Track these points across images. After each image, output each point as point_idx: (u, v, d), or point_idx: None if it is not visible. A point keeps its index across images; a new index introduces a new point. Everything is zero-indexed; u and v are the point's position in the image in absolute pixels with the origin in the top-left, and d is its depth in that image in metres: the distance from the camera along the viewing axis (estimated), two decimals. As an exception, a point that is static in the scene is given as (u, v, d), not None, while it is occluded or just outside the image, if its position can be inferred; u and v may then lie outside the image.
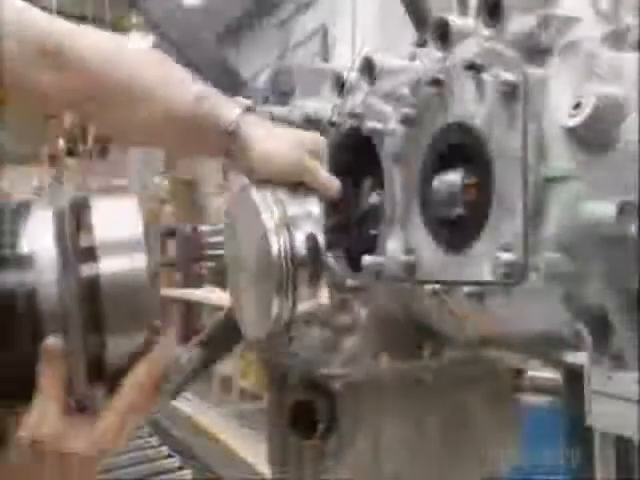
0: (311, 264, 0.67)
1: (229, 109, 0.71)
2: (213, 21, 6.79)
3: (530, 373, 0.93)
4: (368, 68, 0.86)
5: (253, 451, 3.71)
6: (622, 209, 0.54)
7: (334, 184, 0.73)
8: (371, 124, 0.79)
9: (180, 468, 3.66)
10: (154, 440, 3.96)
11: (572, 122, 0.57)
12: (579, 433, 2.68)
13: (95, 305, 0.51)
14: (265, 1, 6.91)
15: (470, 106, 0.66)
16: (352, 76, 0.90)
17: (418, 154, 0.73)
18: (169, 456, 3.80)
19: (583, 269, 0.58)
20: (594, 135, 0.57)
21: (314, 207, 0.70)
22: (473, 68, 0.65)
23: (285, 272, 0.65)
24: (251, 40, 7.28)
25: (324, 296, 0.68)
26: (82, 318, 0.50)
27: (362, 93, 0.87)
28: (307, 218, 0.69)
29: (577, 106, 0.57)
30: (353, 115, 0.83)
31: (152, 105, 0.70)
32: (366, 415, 0.80)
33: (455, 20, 0.73)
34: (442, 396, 0.85)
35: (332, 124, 0.87)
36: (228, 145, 0.71)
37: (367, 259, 0.75)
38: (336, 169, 0.76)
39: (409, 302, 0.77)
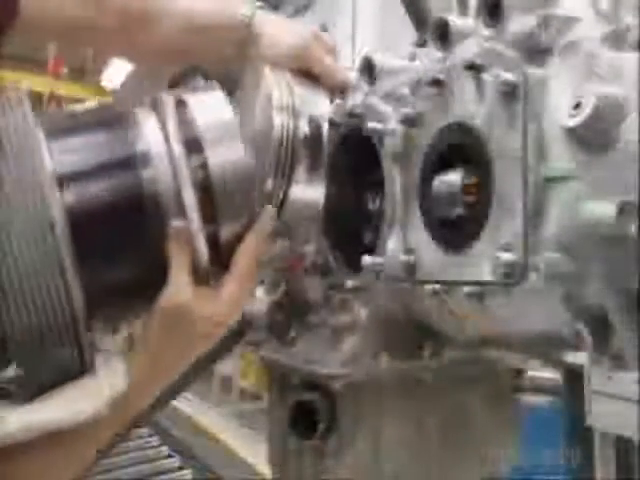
0: (311, 148, 0.68)
1: (243, 5, 0.78)
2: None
3: (530, 373, 0.93)
4: (368, 68, 0.86)
5: (253, 451, 3.71)
6: (622, 209, 0.54)
7: (339, 71, 0.76)
8: (371, 124, 0.79)
9: (180, 468, 3.66)
10: (154, 440, 3.96)
11: (572, 122, 0.57)
12: (579, 433, 2.68)
13: (208, 192, 0.57)
14: (264, 2, 6.91)
15: (470, 106, 0.66)
16: (352, 76, 0.90)
17: (418, 154, 0.73)
18: (169, 456, 3.80)
19: (583, 269, 0.58)
20: (594, 135, 0.57)
21: (320, 96, 0.73)
22: (473, 68, 0.65)
23: (284, 150, 0.67)
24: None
25: (320, 191, 0.69)
26: (199, 205, 0.56)
27: (362, 93, 0.87)
28: (313, 105, 0.72)
29: (577, 106, 0.57)
30: (353, 115, 0.83)
31: (174, 17, 0.76)
32: (366, 415, 0.80)
33: (455, 20, 0.73)
34: (442, 396, 0.85)
35: (332, 124, 0.87)
36: (244, 37, 0.76)
37: (367, 259, 0.75)
38: (337, 169, 0.76)
39: (409, 302, 0.77)
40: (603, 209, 0.55)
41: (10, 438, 0.50)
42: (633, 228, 0.54)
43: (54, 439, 0.53)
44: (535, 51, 0.63)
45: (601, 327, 0.60)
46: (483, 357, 0.85)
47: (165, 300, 0.58)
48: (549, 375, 0.93)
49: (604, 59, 0.59)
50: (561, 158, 0.59)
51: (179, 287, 0.58)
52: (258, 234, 0.62)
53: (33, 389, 0.52)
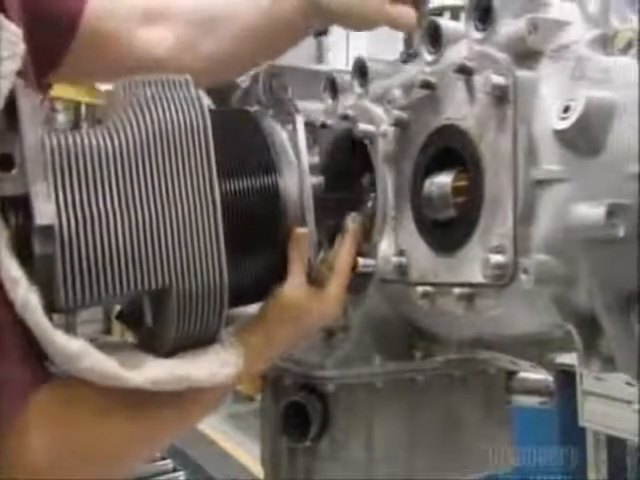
0: None
1: None
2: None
3: (522, 375, 0.93)
4: (360, 71, 0.86)
5: (246, 453, 3.70)
6: (611, 211, 0.54)
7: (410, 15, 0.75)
8: (363, 126, 0.79)
9: (174, 470, 3.65)
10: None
11: (562, 125, 0.57)
12: (572, 433, 2.69)
13: (319, 204, 0.67)
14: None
15: (461, 109, 0.67)
16: (344, 78, 0.90)
17: (410, 156, 0.74)
18: (162, 458, 3.79)
19: (572, 271, 0.59)
20: (583, 138, 0.57)
21: None
22: (464, 71, 0.66)
23: None
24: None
25: None
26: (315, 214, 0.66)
27: (354, 95, 0.87)
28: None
29: (567, 109, 0.57)
30: (345, 117, 0.83)
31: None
32: (359, 417, 0.81)
33: (446, 23, 0.74)
34: (434, 398, 0.85)
35: (324, 126, 0.87)
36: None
37: (359, 261, 0.76)
38: (331, 171, 0.77)
39: (401, 304, 0.78)
40: (592, 211, 0.55)
41: (148, 383, 0.54)
42: (622, 230, 0.54)
43: (178, 397, 0.56)
44: (525, 54, 0.63)
45: (591, 328, 0.60)
46: (475, 359, 0.85)
47: (284, 295, 0.65)
48: (541, 376, 0.94)
49: (593, 62, 0.60)
50: (551, 160, 0.59)
51: (296, 285, 0.66)
52: (353, 239, 0.73)
53: (168, 344, 0.56)
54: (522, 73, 0.62)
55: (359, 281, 0.77)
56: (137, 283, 0.53)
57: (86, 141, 0.53)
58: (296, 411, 0.79)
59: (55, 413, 0.53)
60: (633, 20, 0.64)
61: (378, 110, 0.81)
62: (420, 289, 0.70)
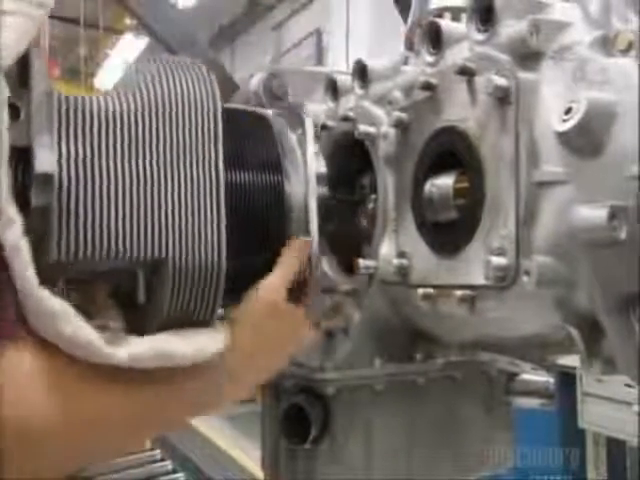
0: None
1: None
2: (207, 23, 6.79)
3: (522, 376, 0.93)
4: (361, 72, 0.86)
5: (245, 454, 3.70)
6: (613, 213, 0.54)
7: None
8: (364, 128, 0.79)
9: (173, 471, 3.64)
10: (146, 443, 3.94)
11: (564, 127, 0.57)
12: (571, 435, 2.69)
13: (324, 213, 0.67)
14: (259, 4, 6.92)
15: (462, 110, 0.67)
16: (345, 80, 0.90)
17: (411, 158, 0.73)
18: (162, 459, 3.79)
19: (574, 273, 0.58)
20: (585, 140, 0.57)
21: None
22: (465, 72, 0.65)
23: None
24: (245, 42, 7.28)
25: None
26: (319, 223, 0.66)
27: (355, 97, 0.87)
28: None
29: (568, 111, 0.57)
30: (346, 119, 0.83)
31: None
32: (359, 419, 0.80)
33: (447, 24, 0.74)
34: (435, 399, 0.85)
35: (324, 128, 0.87)
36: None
37: (360, 262, 0.75)
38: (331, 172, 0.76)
39: (402, 305, 0.77)
40: (594, 213, 0.55)
41: (136, 361, 0.51)
42: (623, 232, 0.54)
43: (171, 375, 0.55)
44: (527, 56, 0.63)
45: (592, 330, 0.60)
46: (476, 360, 0.85)
47: (263, 291, 0.62)
48: (541, 378, 0.94)
49: (595, 64, 0.60)
50: (552, 162, 0.59)
51: (278, 286, 0.63)
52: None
53: (159, 322, 0.55)
54: (524, 74, 0.61)
55: (360, 283, 0.77)
56: (132, 249, 0.51)
57: (94, 100, 0.52)
58: (296, 413, 0.79)
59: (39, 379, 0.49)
60: (634, 21, 0.64)
61: (379, 111, 0.81)
62: (421, 291, 0.70)
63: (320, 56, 5.94)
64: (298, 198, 0.65)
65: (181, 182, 0.54)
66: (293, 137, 0.69)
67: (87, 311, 0.51)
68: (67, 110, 0.50)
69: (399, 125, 0.75)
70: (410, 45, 0.98)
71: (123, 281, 0.55)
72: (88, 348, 0.49)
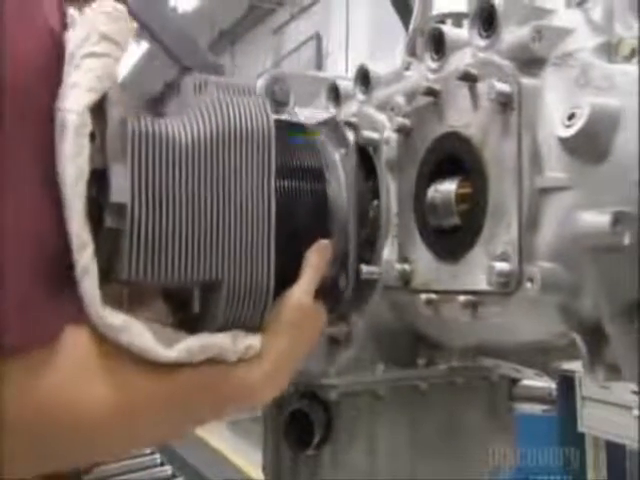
0: None
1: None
2: (207, 27, 6.81)
3: (525, 382, 0.93)
4: (363, 77, 0.86)
5: (245, 459, 3.69)
6: (616, 219, 0.54)
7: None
8: (366, 133, 0.79)
9: (173, 476, 3.64)
10: (147, 448, 3.93)
11: (567, 132, 0.57)
12: (571, 438, 2.69)
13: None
14: (259, 7, 6.94)
15: (465, 116, 0.67)
16: (347, 85, 0.90)
17: (413, 163, 0.73)
18: (161, 464, 3.78)
19: (578, 279, 0.58)
20: (588, 145, 0.57)
21: None
22: (468, 78, 0.66)
23: None
24: (245, 46, 7.30)
25: None
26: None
27: (357, 102, 0.87)
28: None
29: (571, 117, 0.57)
30: (348, 124, 0.83)
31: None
32: (362, 425, 0.80)
33: (450, 30, 0.74)
34: (437, 405, 0.84)
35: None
36: None
37: (363, 268, 0.75)
38: None
39: (404, 311, 0.77)
40: (597, 219, 0.55)
41: (183, 355, 0.55)
42: (627, 238, 0.54)
43: (216, 369, 0.58)
44: (529, 62, 0.63)
45: (595, 337, 0.60)
46: (478, 366, 0.85)
47: (296, 295, 0.66)
48: (543, 384, 0.93)
49: (598, 70, 0.60)
50: (555, 168, 0.59)
51: (307, 290, 0.66)
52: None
53: (212, 330, 0.59)
54: (527, 80, 0.61)
55: (363, 288, 0.77)
56: (194, 271, 0.56)
57: (164, 130, 0.55)
58: (299, 419, 0.79)
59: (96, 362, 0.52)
60: (636, 28, 0.64)
61: (381, 117, 0.81)
62: (424, 296, 0.70)
63: (319, 60, 5.95)
64: (340, 216, 0.71)
65: (237, 209, 0.58)
66: (336, 155, 0.75)
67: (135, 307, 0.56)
68: (140, 139, 0.54)
69: (402, 130, 0.75)
70: (412, 51, 0.98)
71: (177, 292, 0.60)
72: (144, 350, 0.53)
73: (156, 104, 0.69)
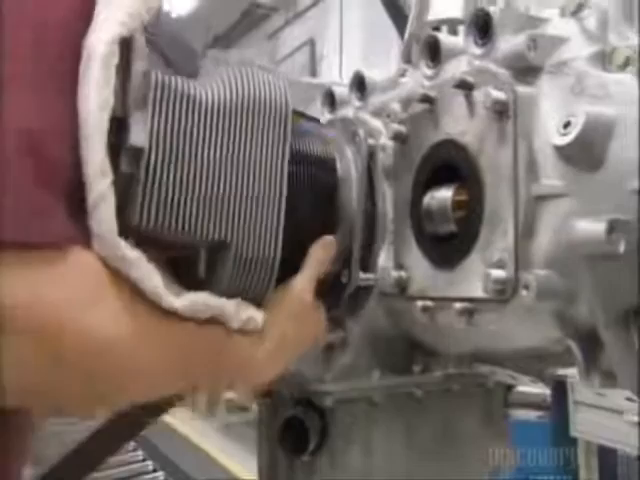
0: None
1: None
2: (202, 32, 6.81)
3: (519, 388, 0.93)
4: (359, 84, 0.86)
5: (239, 463, 3.67)
6: (612, 227, 0.54)
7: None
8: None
9: (154, 471, 3.62)
10: (140, 454, 3.91)
11: (562, 141, 0.57)
12: (563, 443, 2.70)
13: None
14: (254, 13, 6.95)
15: (461, 123, 0.67)
16: (342, 91, 0.91)
17: (409, 170, 0.74)
18: (154, 470, 3.76)
19: (573, 286, 0.59)
20: (584, 153, 0.57)
21: None
22: (464, 86, 0.66)
23: None
24: (240, 51, 7.31)
25: None
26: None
27: (352, 108, 0.87)
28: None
29: (567, 125, 0.57)
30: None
31: None
32: (357, 431, 0.80)
33: (445, 38, 0.74)
34: (433, 411, 0.84)
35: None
36: None
37: (360, 274, 0.75)
38: None
39: (400, 318, 0.77)
40: (593, 227, 0.56)
41: (186, 307, 0.55)
42: (622, 246, 0.54)
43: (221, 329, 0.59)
44: (525, 70, 0.63)
45: (591, 344, 0.60)
46: (473, 373, 0.85)
47: (295, 289, 0.66)
48: (538, 390, 0.94)
49: (593, 78, 0.60)
50: (551, 176, 0.59)
51: (307, 285, 0.66)
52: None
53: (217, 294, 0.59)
54: (522, 89, 0.62)
55: (359, 294, 0.77)
56: (203, 228, 0.56)
57: (185, 86, 0.56)
58: (294, 426, 0.79)
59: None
60: (630, 37, 0.65)
61: (377, 123, 0.81)
62: (420, 303, 0.70)
63: (314, 65, 5.97)
64: (347, 210, 0.73)
65: (251, 174, 0.59)
66: (349, 152, 0.76)
67: None
68: (162, 91, 0.54)
69: (398, 137, 0.75)
70: (407, 58, 0.98)
71: (183, 253, 0.60)
72: (150, 291, 0.53)
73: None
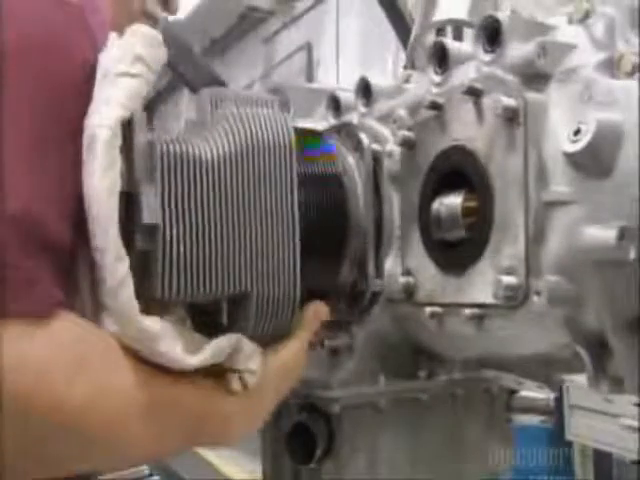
0: None
1: None
2: (198, 36, 6.81)
3: (523, 393, 0.93)
4: (364, 89, 0.86)
5: (243, 472, 3.65)
6: (622, 234, 0.55)
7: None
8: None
9: (150, 475, 3.60)
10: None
11: (573, 147, 0.58)
12: (559, 446, 2.70)
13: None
14: (250, 16, 6.95)
15: (470, 130, 0.67)
16: (347, 97, 0.90)
17: (417, 176, 0.74)
18: (150, 475, 3.73)
19: (583, 292, 0.59)
20: (594, 161, 0.58)
21: None
22: (473, 93, 0.66)
23: None
24: (236, 55, 7.31)
25: None
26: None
27: (358, 114, 0.87)
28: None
29: (577, 132, 0.58)
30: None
31: None
32: (363, 436, 0.80)
33: (453, 44, 0.74)
34: (438, 417, 0.84)
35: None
36: None
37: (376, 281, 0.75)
38: None
39: (407, 323, 0.77)
40: (603, 234, 0.56)
41: (200, 363, 0.56)
42: (633, 253, 0.55)
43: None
44: (534, 77, 0.64)
45: (600, 350, 0.60)
46: (479, 377, 0.85)
47: (286, 354, 0.66)
48: (542, 395, 0.94)
49: (601, 85, 0.61)
50: (561, 183, 0.60)
51: (299, 351, 0.67)
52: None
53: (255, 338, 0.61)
54: (532, 95, 0.62)
55: (366, 300, 0.76)
56: (224, 285, 0.57)
57: (190, 150, 0.56)
58: (300, 432, 0.78)
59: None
60: (636, 44, 0.65)
61: (383, 129, 0.81)
62: (428, 309, 0.70)
63: (310, 69, 5.97)
64: (357, 219, 0.74)
65: (263, 223, 0.59)
66: (351, 158, 0.76)
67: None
68: (168, 160, 0.55)
69: (405, 144, 0.75)
70: (412, 63, 0.98)
71: (204, 306, 0.61)
72: (173, 360, 0.54)
73: (149, 112, 0.69)
